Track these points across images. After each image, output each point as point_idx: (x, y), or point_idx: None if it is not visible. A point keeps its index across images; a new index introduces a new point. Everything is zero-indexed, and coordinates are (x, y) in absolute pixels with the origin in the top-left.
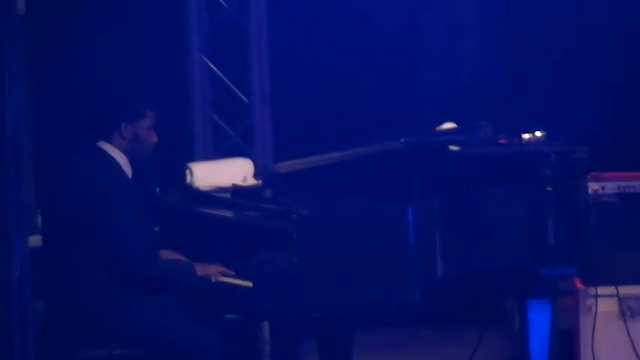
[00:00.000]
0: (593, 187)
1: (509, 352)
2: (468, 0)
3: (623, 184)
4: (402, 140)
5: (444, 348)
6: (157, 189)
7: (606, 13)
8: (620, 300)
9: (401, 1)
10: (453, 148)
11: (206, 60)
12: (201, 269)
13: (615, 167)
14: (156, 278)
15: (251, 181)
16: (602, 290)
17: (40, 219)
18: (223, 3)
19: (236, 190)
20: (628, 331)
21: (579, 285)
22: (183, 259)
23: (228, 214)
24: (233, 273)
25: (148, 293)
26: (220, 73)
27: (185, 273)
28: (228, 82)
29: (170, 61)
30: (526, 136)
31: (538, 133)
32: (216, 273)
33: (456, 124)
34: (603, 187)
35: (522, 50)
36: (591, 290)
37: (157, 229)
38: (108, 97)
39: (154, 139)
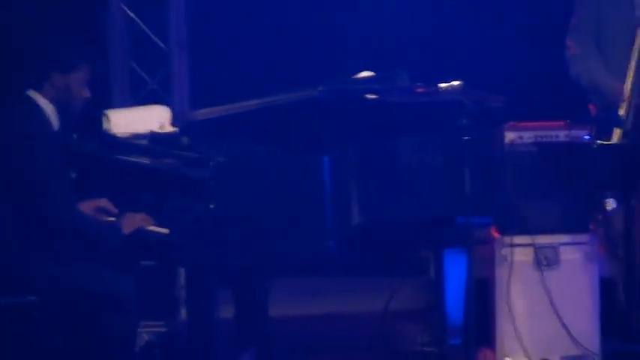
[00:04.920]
0: (509, 136)
1: (425, 301)
2: None
3: (540, 133)
4: (319, 89)
5: (360, 296)
6: (74, 135)
7: None
8: (536, 249)
9: None
10: (370, 96)
11: (124, 7)
12: (127, 224)
13: (532, 117)
14: (75, 230)
15: (168, 129)
16: (517, 239)
17: None
18: None
19: (153, 137)
20: (543, 281)
21: (495, 234)
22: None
23: (145, 160)
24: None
25: (67, 244)
26: (138, 20)
27: (110, 236)
28: (146, 29)
29: (88, 7)
30: (443, 85)
31: (455, 83)
32: (143, 222)
33: (374, 72)
34: (520, 137)
35: (442, 0)
36: (507, 239)
37: (74, 175)
38: (38, 44)
39: (86, 94)
